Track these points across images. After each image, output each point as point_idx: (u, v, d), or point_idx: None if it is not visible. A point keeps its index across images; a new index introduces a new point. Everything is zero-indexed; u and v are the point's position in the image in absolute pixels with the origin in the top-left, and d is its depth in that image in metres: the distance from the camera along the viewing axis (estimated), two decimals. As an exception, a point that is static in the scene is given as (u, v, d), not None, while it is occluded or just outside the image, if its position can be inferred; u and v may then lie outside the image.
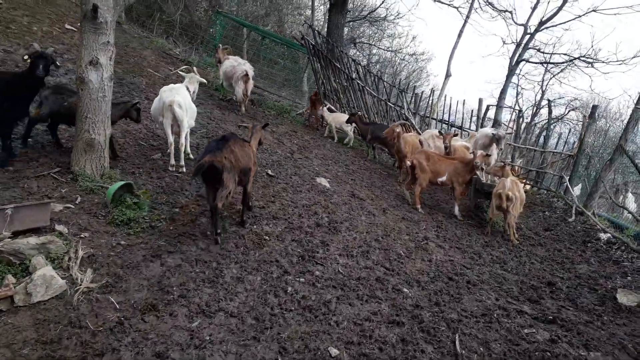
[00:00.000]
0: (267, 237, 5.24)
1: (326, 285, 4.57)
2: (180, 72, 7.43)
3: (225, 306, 3.86)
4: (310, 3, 22.61)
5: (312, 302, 4.22)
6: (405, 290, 4.86)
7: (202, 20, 20.69)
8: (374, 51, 26.87)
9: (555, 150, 11.86)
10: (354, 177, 8.79)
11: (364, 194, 7.87)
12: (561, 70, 21.19)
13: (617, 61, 14.73)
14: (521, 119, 12.70)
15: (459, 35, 15.93)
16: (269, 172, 7.27)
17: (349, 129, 11.39)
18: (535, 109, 25.38)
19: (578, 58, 15.39)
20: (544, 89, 23.65)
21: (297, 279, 4.57)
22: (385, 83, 13.14)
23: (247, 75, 9.87)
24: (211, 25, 15.61)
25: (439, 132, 9.22)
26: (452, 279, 5.40)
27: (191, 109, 6.56)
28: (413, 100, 13.48)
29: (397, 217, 7.19)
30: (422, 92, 14.55)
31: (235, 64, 10.09)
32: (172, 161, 6.30)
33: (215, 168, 4.53)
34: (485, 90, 69.69)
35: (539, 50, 15.71)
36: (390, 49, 24.89)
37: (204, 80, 7.45)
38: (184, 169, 6.35)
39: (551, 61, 16.76)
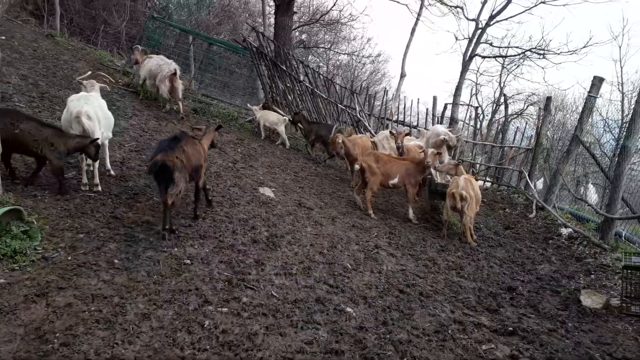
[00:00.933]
0: (188, 261, 4.54)
1: (254, 314, 3.92)
2: (79, 80, 6.74)
3: (121, 352, 3.16)
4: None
5: (234, 336, 3.56)
6: (349, 310, 4.26)
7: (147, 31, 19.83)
8: (332, 55, 26.50)
9: (514, 145, 11.68)
10: (302, 185, 8.18)
11: (312, 202, 7.27)
12: (517, 67, 21.28)
13: (569, 51, 14.75)
14: (480, 116, 12.46)
15: (412, 34, 15.63)
16: (204, 185, 6.58)
17: (282, 130, 10.81)
18: (494, 105, 25.51)
19: (530, 50, 15.35)
20: (502, 85, 23.76)
21: (219, 309, 3.89)
22: (336, 85, 12.64)
23: (175, 74, 9.29)
24: (151, 33, 14.79)
25: (390, 132, 8.72)
26: (404, 292, 4.85)
27: (107, 118, 5.85)
28: (367, 101, 13.03)
29: (346, 225, 6.62)
30: (376, 93, 14.14)
31: (162, 63, 9.44)
32: (85, 179, 5.54)
33: (167, 167, 4.62)
34: (445, 90, 70.33)
35: (491, 44, 15.57)
36: (346, 52, 24.54)
37: (105, 86, 6.86)
38: (100, 188, 5.59)
39: (505, 54, 16.68)
